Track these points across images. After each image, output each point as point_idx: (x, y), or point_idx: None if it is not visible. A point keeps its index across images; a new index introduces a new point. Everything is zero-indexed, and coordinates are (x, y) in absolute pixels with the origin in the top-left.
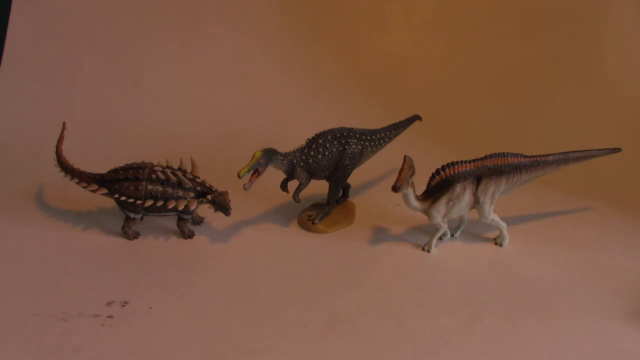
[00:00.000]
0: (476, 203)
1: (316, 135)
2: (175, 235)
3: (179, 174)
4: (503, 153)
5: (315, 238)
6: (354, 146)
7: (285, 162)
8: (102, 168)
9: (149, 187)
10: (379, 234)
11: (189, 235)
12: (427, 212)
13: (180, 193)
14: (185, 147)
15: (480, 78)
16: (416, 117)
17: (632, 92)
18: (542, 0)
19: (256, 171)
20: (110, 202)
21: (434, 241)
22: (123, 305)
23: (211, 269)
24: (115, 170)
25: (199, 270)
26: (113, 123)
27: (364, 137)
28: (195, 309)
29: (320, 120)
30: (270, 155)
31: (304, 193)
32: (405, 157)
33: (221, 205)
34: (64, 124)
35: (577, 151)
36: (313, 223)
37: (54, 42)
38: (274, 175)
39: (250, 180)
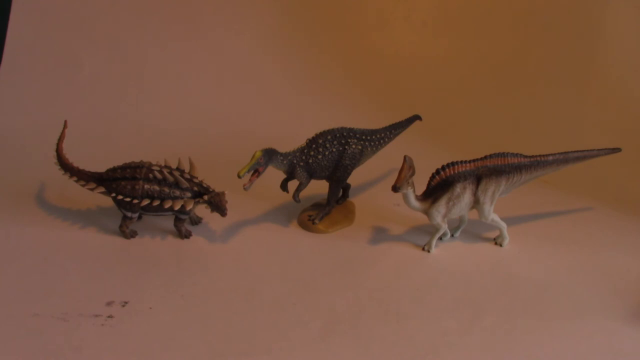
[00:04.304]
0: (476, 203)
1: (316, 135)
2: (172, 235)
3: (176, 173)
4: (503, 153)
5: (315, 238)
6: (354, 146)
7: (285, 162)
8: (103, 167)
9: (146, 186)
10: (379, 234)
11: (186, 235)
12: (427, 212)
13: (177, 193)
14: (185, 146)
15: (480, 78)
16: (416, 117)
17: (632, 92)
18: (542, 0)
19: (256, 171)
20: (110, 201)
21: (434, 241)
22: (123, 305)
23: (211, 269)
24: (114, 169)
25: (199, 270)
26: (113, 122)
27: (364, 137)
28: (195, 309)
29: (320, 120)
30: (270, 155)
31: (304, 193)
32: (405, 157)
33: (217, 206)
34: (65, 122)
35: (577, 151)
36: (313, 223)
37: (54, 41)
38: (274, 175)
39: (250, 180)
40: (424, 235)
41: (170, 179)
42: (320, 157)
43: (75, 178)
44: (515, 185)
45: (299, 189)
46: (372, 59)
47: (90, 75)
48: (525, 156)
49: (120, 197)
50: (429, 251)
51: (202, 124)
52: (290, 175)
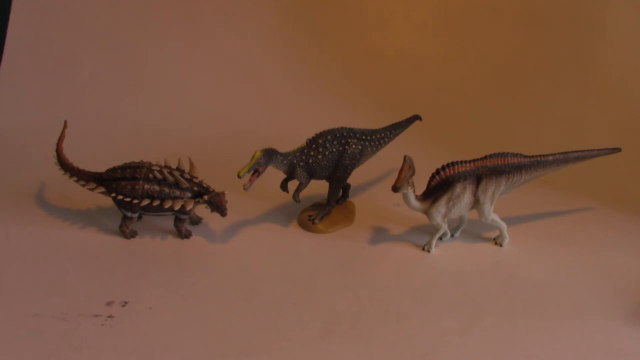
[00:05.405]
0: (476, 203)
1: (316, 135)
2: (172, 235)
3: (176, 173)
4: (503, 153)
5: (315, 238)
6: (354, 146)
7: (285, 162)
8: (103, 167)
9: (146, 186)
10: (379, 234)
11: (186, 235)
12: (427, 212)
13: (177, 193)
14: (185, 146)
15: (480, 78)
16: (416, 117)
17: (632, 92)
18: (542, 0)
19: (256, 171)
20: (110, 201)
21: (434, 241)
22: (123, 305)
23: (211, 269)
24: (114, 169)
25: (199, 270)
26: (113, 122)
27: (364, 137)
28: (195, 309)
29: (320, 120)
30: (270, 155)
31: (304, 193)
32: (405, 157)
33: (217, 205)
34: (65, 122)
35: (577, 151)
36: (313, 223)
37: (54, 41)
38: (274, 175)
39: (250, 180)
40: (424, 235)
41: (170, 179)
42: (320, 157)
43: (75, 178)
44: (515, 185)
45: (299, 189)
46: (372, 59)
47: (90, 75)
48: (525, 156)
49: (120, 197)
50: (429, 251)
51: (203, 124)
52: (290, 175)
